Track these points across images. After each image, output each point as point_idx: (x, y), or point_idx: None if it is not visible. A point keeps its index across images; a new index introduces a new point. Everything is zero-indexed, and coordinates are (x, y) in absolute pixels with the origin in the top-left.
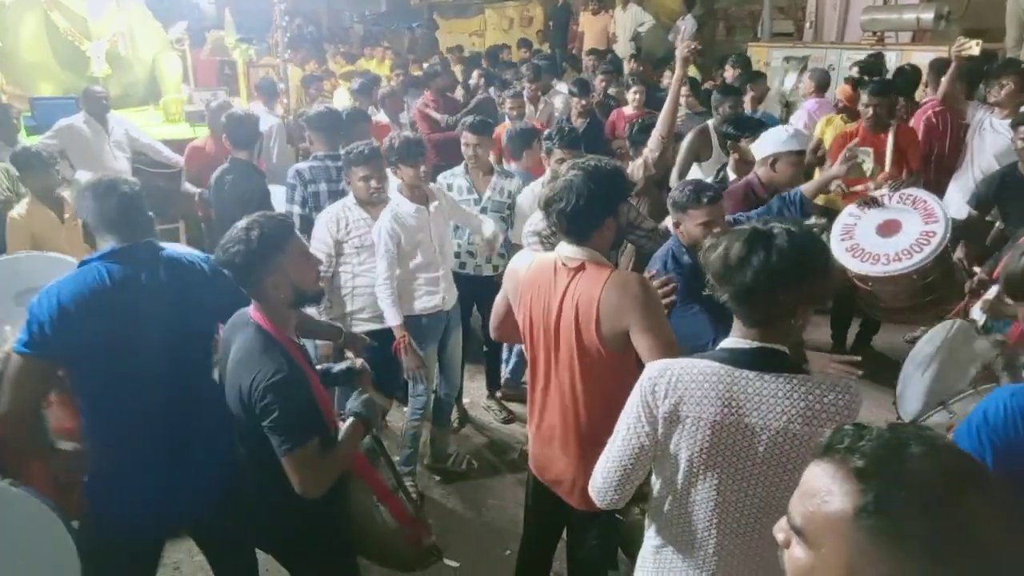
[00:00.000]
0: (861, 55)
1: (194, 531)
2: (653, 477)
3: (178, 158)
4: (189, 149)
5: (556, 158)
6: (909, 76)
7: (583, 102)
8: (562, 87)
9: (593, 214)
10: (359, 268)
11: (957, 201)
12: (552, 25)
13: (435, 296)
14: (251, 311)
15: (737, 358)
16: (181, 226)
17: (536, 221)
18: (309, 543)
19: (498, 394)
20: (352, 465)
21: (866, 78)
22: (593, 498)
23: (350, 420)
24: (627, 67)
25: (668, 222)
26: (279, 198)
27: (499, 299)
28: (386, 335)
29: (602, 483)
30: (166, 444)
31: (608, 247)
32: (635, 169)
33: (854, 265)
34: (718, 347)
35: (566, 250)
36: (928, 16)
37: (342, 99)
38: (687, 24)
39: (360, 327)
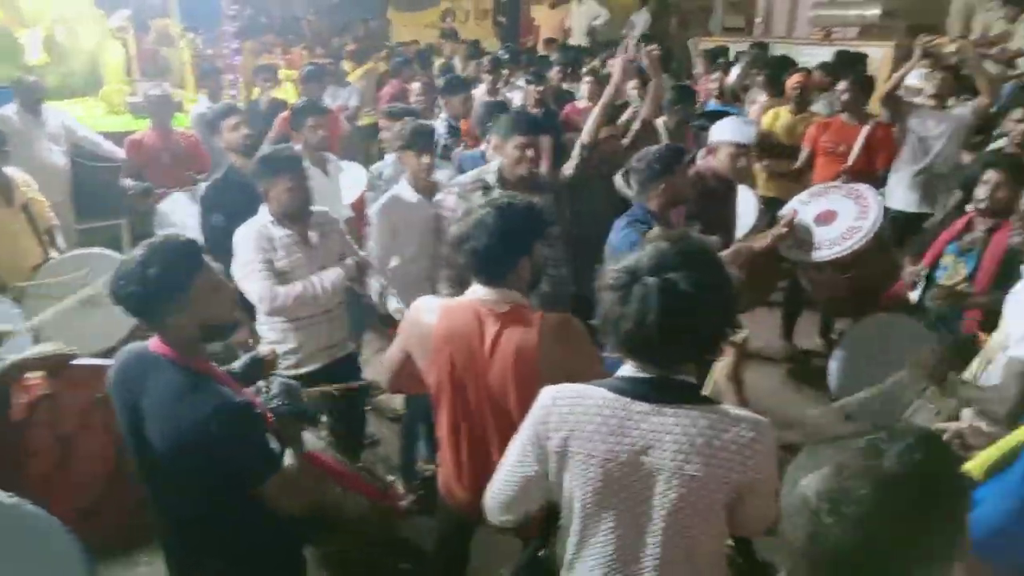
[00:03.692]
0: (810, 50)
1: None
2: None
3: (120, 152)
4: (127, 143)
5: (513, 144)
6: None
7: (539, 89)
8: (522, 82)
9: (507, 254)
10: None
11: (900, 194)
12: (505, 19)
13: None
14: (152, 345)
15: (634, 388)
16: (124, 223)
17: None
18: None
19: None
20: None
21: None
22: (485, 510)
23: (283, 421)
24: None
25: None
26: None
27: (394, 351)
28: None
29: (491, 502)
30: None
31: (525, 288)
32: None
33: (782, 247)
34: (617, 374)
35: (483, 293)
36: (875, 12)
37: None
38: (641, 18)
39: (308, 367)
